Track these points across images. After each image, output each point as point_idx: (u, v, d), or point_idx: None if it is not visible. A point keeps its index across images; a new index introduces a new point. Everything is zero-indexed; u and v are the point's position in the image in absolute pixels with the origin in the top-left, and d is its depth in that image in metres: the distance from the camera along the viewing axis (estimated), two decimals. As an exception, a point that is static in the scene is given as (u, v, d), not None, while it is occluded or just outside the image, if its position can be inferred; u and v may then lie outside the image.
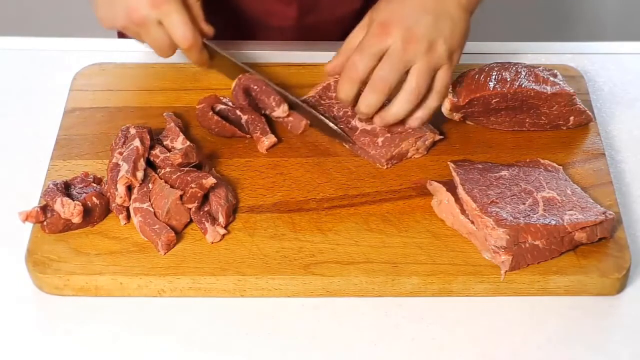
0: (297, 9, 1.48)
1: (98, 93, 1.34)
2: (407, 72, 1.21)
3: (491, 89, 1.24)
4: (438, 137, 1.26)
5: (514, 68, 1.26)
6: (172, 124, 1.25)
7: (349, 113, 1.28)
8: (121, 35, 1.57)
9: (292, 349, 1.09)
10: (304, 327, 1.11)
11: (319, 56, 1.39)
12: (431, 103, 1.24)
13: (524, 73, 1.26)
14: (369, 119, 1.25)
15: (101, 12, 1.28)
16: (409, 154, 1.25)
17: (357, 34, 1.25)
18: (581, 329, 1.12)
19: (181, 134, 1.24)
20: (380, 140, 1.24)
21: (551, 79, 1.26)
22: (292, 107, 1.29)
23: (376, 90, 1.21)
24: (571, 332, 1.11)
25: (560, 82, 1.26)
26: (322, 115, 1.27)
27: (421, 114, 1.24)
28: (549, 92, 1.25)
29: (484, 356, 1.09)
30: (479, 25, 1.38)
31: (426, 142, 1.25)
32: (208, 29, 1.31)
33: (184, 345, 1.09)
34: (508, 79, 1.25)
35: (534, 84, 1.25)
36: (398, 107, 1.22)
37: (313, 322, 1.11)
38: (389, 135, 1.25)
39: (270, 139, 1.25)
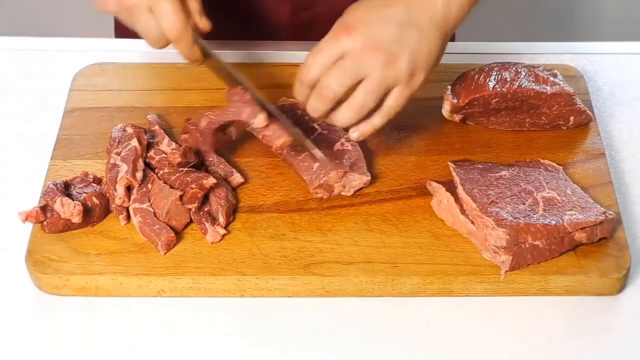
0: (290, 5, 1.48)
1: (98, 93, 1.34)
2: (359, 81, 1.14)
3: (491, 89, 1.24)
4: (366, 180, 1.20)
5: (513, 68, 1.26)
6: (157, 126, 1.25)
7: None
8: (119, 34, 1.57)
9: (292, 349, 1.09)
10: (304, 327, 1.11)
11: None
12: (375, 120, 1.16)
13: (523, 73, 1.26)
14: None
15: None
16: (336, 190, 1.20)
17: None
18: (581, 329, 1.12)
19: (166, 136, 1.23)
20: (315, 165, 1.20)
21: (551, 79, 1.26)
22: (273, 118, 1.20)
23: (321, 97, 1.15)
24: (571, 332, 1.11)
25: (560, 82, 1.26)
26: (304, 135, 1.19)
27: (363, 128, 1.17)
28: (548, 92, 1.25)
29: (484, 356, 1.09)
30: (479, 25, 1.38)
31: (353, 183, 1.20)
32: (204, 25, 1.21)
33: (184, 346, 1.09)
34: (508, 79, 1.25)
35: (533, 84, 1.25)
36: (340, 117, 1.16)
37: (313, 322, 1.11)
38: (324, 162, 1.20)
39: (236, 179, 1.21)
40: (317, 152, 1.19)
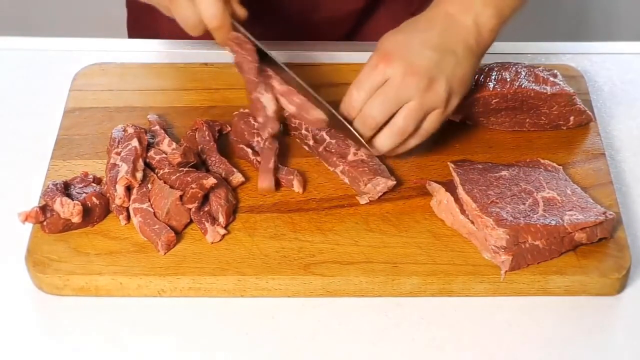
0: (298, 7, 1.48)
1: (98, 93, 1.34)
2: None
3: (491, 89, 1.24)
4: (391, 184, 1.20)
5: (513, 68, 1.26)
6: (157, 127, 1.25)
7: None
8: (132, 34, 1.57)
9: (292, 349, 1.09)
10: (304, 327, 1.11)
11: (320, 56, 1.39)
12: (410, 142, 1.20)
13: (523, 73, 1.26)
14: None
15: None
16: (362, 201, 1.20)
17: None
18: (581, 329, 1.12)
19: (166, 136, 1.24)
20: (338, 170, 1.22)
21: (551, 79, 1.26)
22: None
23: (365, 126, 1.18)
24: (571, 332, 1.11)
25: (560, 82, 1.26)
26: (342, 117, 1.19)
27: (398, 150, 1.20)
28: (548, 93, 1.25)
29: (484, 356, 1.09)
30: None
31: (377, 188, 1.20)
32: (241, 12, 1.22)
33: (184, 345, 1.09)
34: (508, 79, 1.25)
35: (533, 84, 1.25)
36: (381, 143, 1.18)
37: (313, 322, 1.11)
38: (346, 167, 1.21)
39: (237, 178, 1.21)
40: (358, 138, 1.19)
